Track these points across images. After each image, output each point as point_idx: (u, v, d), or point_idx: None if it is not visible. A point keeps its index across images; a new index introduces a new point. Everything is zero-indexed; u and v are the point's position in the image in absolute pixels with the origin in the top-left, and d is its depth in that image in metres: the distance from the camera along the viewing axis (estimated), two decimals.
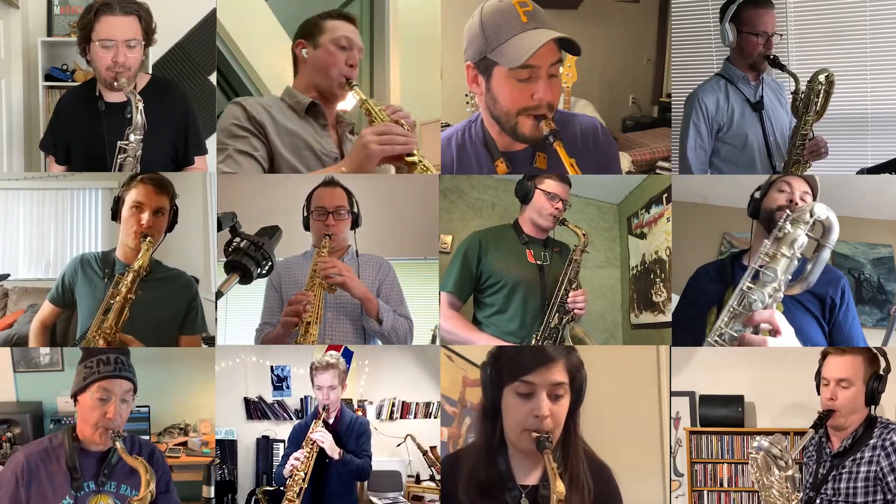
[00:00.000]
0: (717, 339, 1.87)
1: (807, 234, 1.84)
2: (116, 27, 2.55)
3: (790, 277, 1.88)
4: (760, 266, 1.87)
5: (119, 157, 2.53)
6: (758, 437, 2.10)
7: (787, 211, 2.03)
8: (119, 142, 2.52)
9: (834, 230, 1.82)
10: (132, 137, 2.50)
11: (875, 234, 3.66)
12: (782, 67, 2.97)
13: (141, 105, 2.49)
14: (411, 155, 2.28)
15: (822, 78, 2.86)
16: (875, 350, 2.27)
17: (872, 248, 3.66)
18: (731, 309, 1.87)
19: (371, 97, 2.49)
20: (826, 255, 1.84)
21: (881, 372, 2.26)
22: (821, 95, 2.87)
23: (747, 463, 3.29)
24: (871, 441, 2.22)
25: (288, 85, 2.59)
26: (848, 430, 2.26)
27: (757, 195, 2.45)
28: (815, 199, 2.51)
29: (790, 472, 2.05)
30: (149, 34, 2.65)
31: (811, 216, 1.82)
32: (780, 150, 3.06)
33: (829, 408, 2.24)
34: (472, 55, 2.18)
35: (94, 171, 2.69)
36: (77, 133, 2.73)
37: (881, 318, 3.51)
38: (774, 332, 1.80)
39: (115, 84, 2.55)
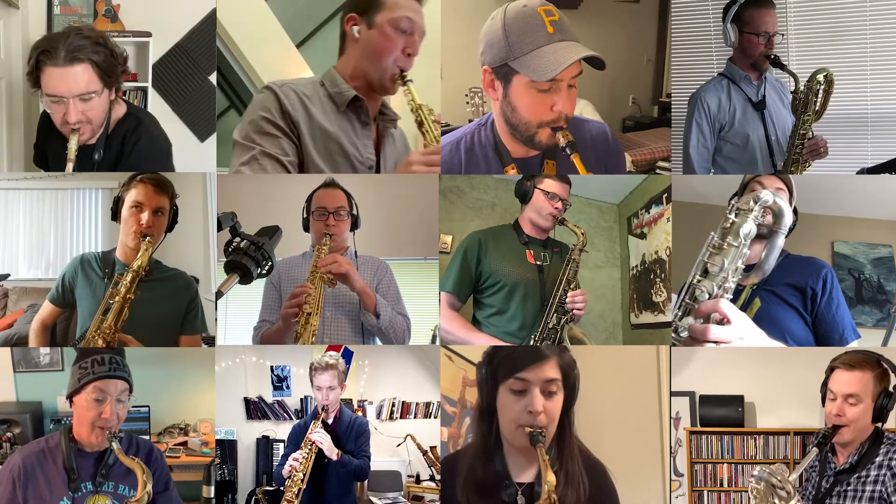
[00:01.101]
0: (672, 334, 1.84)
1: (755, 222, 1.80)
2: (62, 80, 2.15)
3: (742, 267, 1.84)
4: (707, 258, 1.83)
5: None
6: (759, 468, 2.03)
7: (732, 201, 1.99)
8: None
9: (784, 215, 1.77)
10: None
11: (875, 234, 3.65)
12: (783, 67, 2.98)
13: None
14: None
15: (820, 77, 2.87)
16: (885, 364, 2.19)
17: (872, 248, 3.66)
18: (683, 303, 1.83)
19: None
20: (779, 240, 1.79)
21: (891, 389, 2.18)
22: (819, 95, 2.88)
23: (747, 463, 3.30)
24: (878, 459, 2.14)
25: (331, 67, 2.33)
26: (853, 445, 2.19)
27: (734, 201, 2.46)
28: (790, 195, 2.52)
29: (793, 502, 1.99)
30: (110, 77, 2.24)
31: (755, 202, 1.79)
32: (781, 148, 3.07)
33: (837, 423, 2.16)
34: (490, 60, 2.11)
35: None
36: (61, 154, 2.44)
37: (881, 318, 3.50)
38: (724, 320, 1.76)
39: (69, 144, 2.19)
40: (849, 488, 2.16)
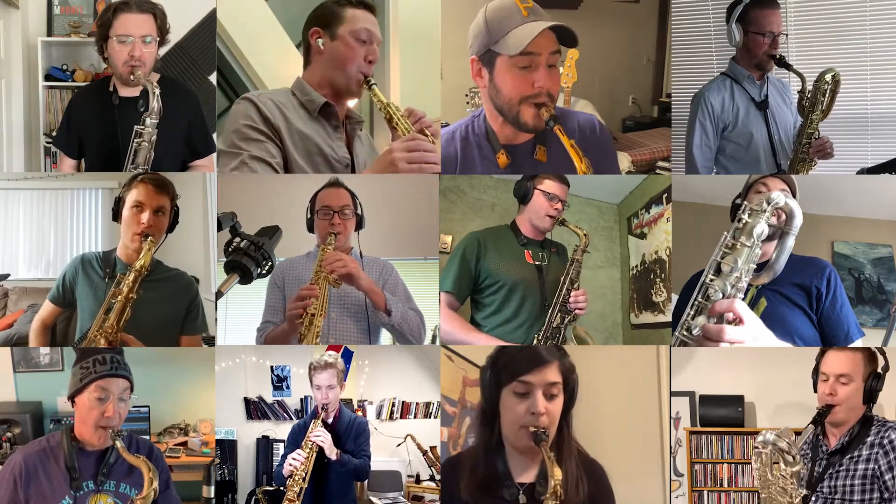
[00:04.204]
0: (683, 333, 1.86)
1: (767, 223, 1.83)
2: (133, 24, 2.70)
3: (754, 267, 1.87)
4: (721, 258, 1.86)
5: (135, 141, 2.62)
6: (763, 432, 2.08)
7: (745, 202, 2.04)
8: (135, 126, 2.61)
9: (795, 216, 1.81)
10: (148, 121, 2.61)
11: (875, 234, 3.66)
12: (788, 67, 2.99)
13: (158, 91, 2.61)
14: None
15: (828, 77, 2.89)
16: (874, 348, 2.26)
17: (872, 248, 3.66)
18: (696, 302, 1.85)
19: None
20: (790, 241, 1.83)
21: (879, 370, 2.25)
22: (827, 95, 2.89)
23: (747, 463, 3.30)
24: (869, 439, 2.21)
25: (298, 76, 2.47)
26: (845, 427, 2.25)
27: (738, 201, 2.47)
28: (793, 196, 2.52)
29: (797, 468, 2.03)
30: (163, 32, 2.79)
31: (768, 203, 1.82)
32: (784, 148, 3.08)
33: (829, 403, 2.22)
34: (476, 49, 2.28)
35: (107, 164, 2.78)
36: (90, 127, 2.84)
37: (881, 318, 3.50)
38: (737, 320, 1.79)
39: (132, 77, 2.67)
40: (840, 468, 2.22)
